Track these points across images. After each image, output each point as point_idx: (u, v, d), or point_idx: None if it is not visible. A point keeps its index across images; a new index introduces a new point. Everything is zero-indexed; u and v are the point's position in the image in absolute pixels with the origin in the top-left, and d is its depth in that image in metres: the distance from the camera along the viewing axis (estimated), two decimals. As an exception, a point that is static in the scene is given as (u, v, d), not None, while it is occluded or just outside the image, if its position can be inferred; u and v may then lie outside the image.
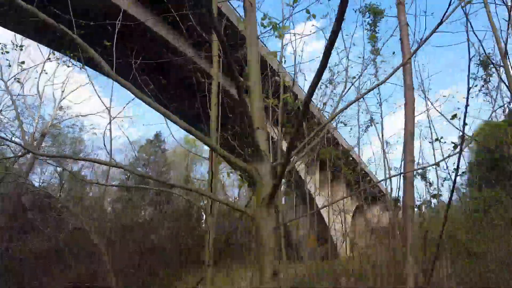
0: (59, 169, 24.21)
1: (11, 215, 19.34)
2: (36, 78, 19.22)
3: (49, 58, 13.60)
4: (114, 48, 4.32)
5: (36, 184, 23.35)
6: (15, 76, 17.53)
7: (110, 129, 6.53)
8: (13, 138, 19.48)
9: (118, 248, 20.99)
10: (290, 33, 7.56)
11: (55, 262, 20.43)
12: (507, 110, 14.93)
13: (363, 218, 31.57)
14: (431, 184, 14.00)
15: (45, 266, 20.27)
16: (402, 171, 9.17)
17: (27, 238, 21.24)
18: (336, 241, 23.50)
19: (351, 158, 24.55)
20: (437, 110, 29.40)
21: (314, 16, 5.06)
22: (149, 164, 27.70)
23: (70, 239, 21.38)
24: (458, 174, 5.20)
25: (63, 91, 19.80)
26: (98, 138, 38.02)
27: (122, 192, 26.69)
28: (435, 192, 13.36)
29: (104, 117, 21.56)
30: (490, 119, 13.72)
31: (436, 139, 5.97)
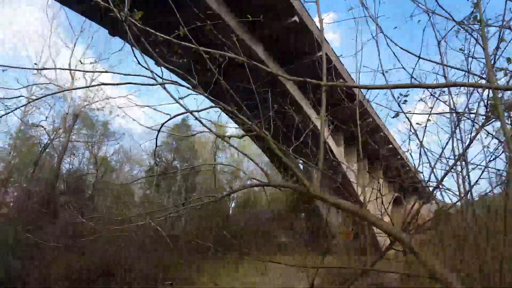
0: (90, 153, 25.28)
1: (45, 200, 20.33)
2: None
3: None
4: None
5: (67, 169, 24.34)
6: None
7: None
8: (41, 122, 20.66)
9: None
10: None
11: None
12: None
13: (402, 211, 30.90)
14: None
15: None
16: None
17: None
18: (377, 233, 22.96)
19: (390, 146, 24.15)
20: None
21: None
22: (176, 150, 28.34)
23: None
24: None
25: (93, 72, 20.46)
26: (127, 122, 39.72)
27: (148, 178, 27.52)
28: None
29: (133, 100, 22.13)
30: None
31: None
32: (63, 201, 21.58)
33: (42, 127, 20.25)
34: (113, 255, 21.33)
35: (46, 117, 20.14)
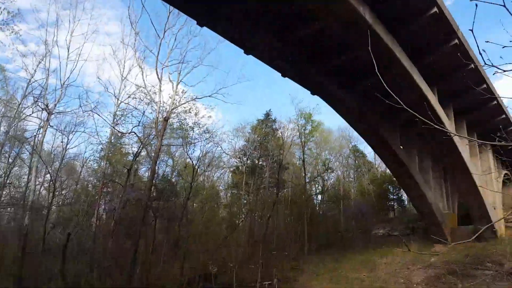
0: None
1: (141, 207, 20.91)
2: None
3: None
4: None
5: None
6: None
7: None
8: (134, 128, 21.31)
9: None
10: None
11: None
12: None
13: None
14: None
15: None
16: None
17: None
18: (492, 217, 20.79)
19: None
20: None
21: None
22: (260, 146, 28.10)
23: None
24: None
25: (179, 73, 20.72)
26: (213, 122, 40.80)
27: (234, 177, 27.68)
28: None
29: (220, 98, 22.21)
30: None
31: None
32: (158, 207, 22.19)
33: (135, 133, 20.90)
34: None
35: (139, 122, 20.75)
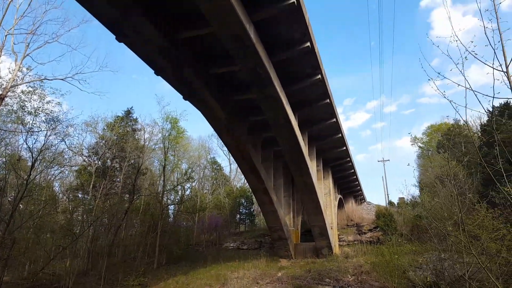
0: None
1: None
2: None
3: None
4: None
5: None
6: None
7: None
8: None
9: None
10: None
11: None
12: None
13: (344, 212, 33.02)
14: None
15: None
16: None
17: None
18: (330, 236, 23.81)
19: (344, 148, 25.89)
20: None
21: None
22: (116, 146, 25.51)
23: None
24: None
25: (27, 45, 17.30)
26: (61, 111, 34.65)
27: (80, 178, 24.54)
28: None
29: (75, 84, 19.26)
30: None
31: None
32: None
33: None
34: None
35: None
